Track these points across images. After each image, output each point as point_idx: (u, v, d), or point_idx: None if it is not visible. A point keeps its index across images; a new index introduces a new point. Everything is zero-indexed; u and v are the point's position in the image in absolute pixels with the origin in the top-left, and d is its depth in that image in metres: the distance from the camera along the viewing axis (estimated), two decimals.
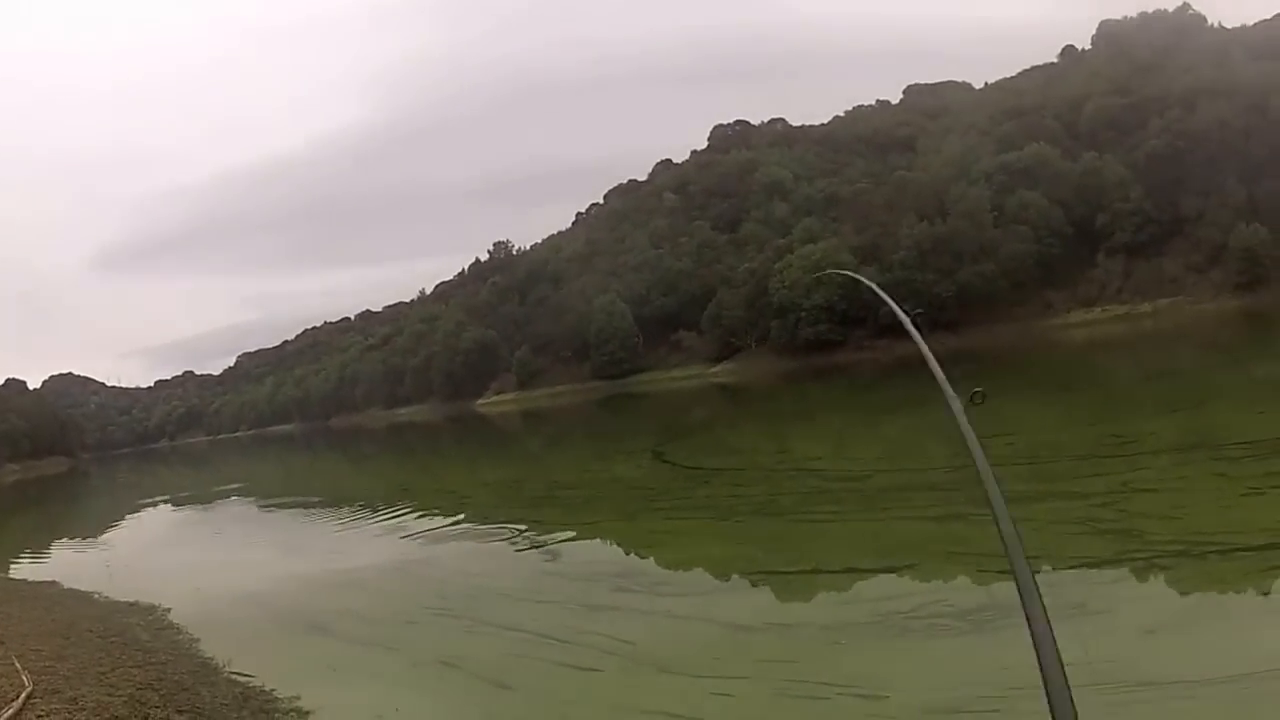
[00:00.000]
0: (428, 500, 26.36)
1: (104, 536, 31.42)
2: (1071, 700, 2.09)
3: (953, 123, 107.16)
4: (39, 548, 28.94)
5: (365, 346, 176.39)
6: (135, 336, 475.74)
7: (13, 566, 24.56)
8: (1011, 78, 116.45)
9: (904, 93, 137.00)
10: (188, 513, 39.48)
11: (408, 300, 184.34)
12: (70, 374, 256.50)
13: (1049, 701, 2.11)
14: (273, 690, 9.62)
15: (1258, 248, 68.99)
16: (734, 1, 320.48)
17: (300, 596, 15.22)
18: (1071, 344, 60.25)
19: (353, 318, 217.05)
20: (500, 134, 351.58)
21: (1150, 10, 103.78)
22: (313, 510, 28.91)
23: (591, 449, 40.25)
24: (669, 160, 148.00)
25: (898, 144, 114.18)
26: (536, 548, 16.70)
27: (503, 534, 18.32)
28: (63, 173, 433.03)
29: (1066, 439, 19.63)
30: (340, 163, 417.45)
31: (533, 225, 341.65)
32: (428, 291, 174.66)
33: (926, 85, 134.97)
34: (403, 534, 20.12)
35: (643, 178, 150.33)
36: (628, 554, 15.64)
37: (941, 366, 3.47)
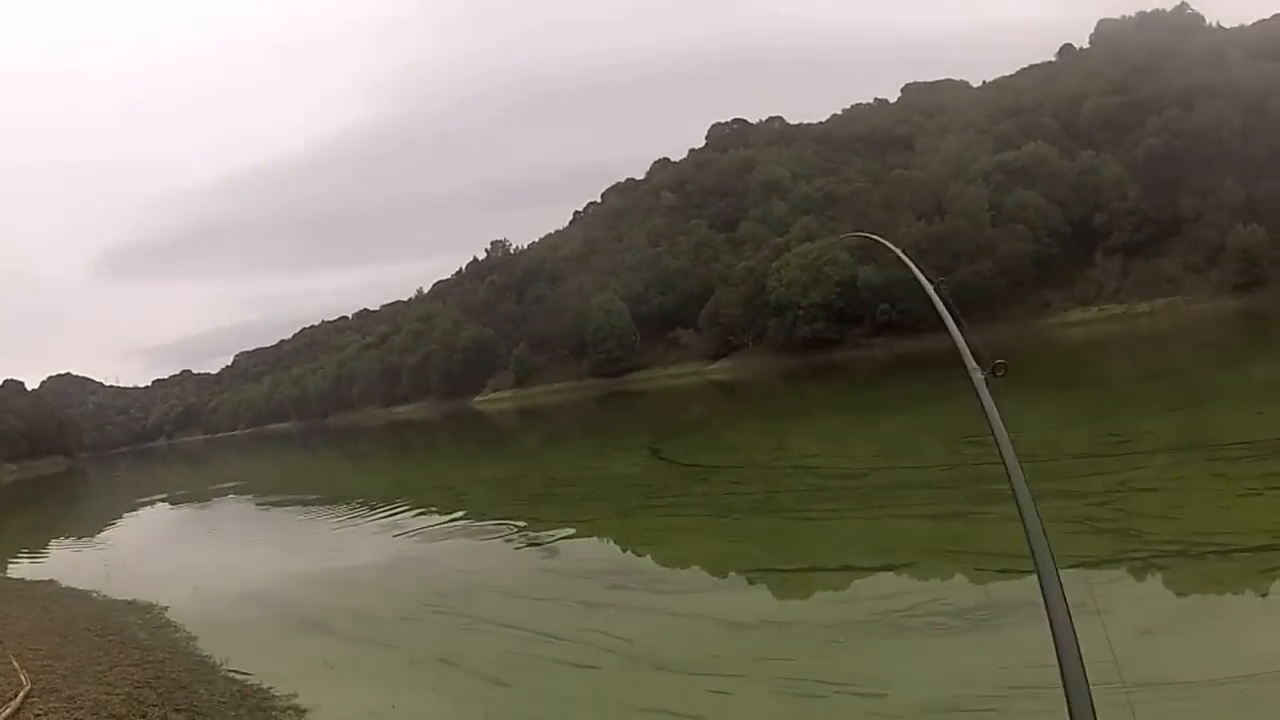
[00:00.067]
0: (425, 498, 26.35)
1: (101, 535, 31.39)
2: (1089, 693, 2.06)
3: (950, 121, 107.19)
4: (37, 547, 28.92)
5: (363, 345, 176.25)
6: (133, 337, 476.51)
7: (11, 566, 24.58)
8: (1009, 77, 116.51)
9: (902, 91, 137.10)
10: (185, 511, 39.48)
11: (405, 299, 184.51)
12: (69, 374, 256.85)
13: (1066, 692, 2.08)
14: (270, 688, 9.62)
15: (1255, 248, 69.00)
16: (732, 1, 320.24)
17: (298, 594, 15.22)
18: (1069, 343, 60.27)
19: (350, 317, 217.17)
20: (498, 134, 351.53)
21: (1148, 10, 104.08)
22: (310, 508, 28.88)
23: (589, 446, 40.21)
24: (667, 159, 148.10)
25: (895, 143, 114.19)
26: (534, 545, 16.70)
27: (500, 531, 18.33)
28: (64, 178, 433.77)
29: (1064, 438, 19.62)
30: (339, 166, 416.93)
31: (530, 224, 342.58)
32: (425, 290, 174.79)
33: (924, 84, 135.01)
34: (400, 532, 20.13)
35: (640, 176, 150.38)
36: (625, 551, 15.64)
37: (965, 341, 3.34)
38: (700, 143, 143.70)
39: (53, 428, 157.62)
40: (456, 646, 10.65)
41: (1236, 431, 16.60)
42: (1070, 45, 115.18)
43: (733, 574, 12.74)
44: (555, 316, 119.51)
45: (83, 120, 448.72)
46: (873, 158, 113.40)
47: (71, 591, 17.94)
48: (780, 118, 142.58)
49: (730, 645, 9.41)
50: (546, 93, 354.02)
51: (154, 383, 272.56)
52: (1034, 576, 2.41)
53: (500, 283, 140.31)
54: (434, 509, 22.85)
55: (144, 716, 8.58)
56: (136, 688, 9.51)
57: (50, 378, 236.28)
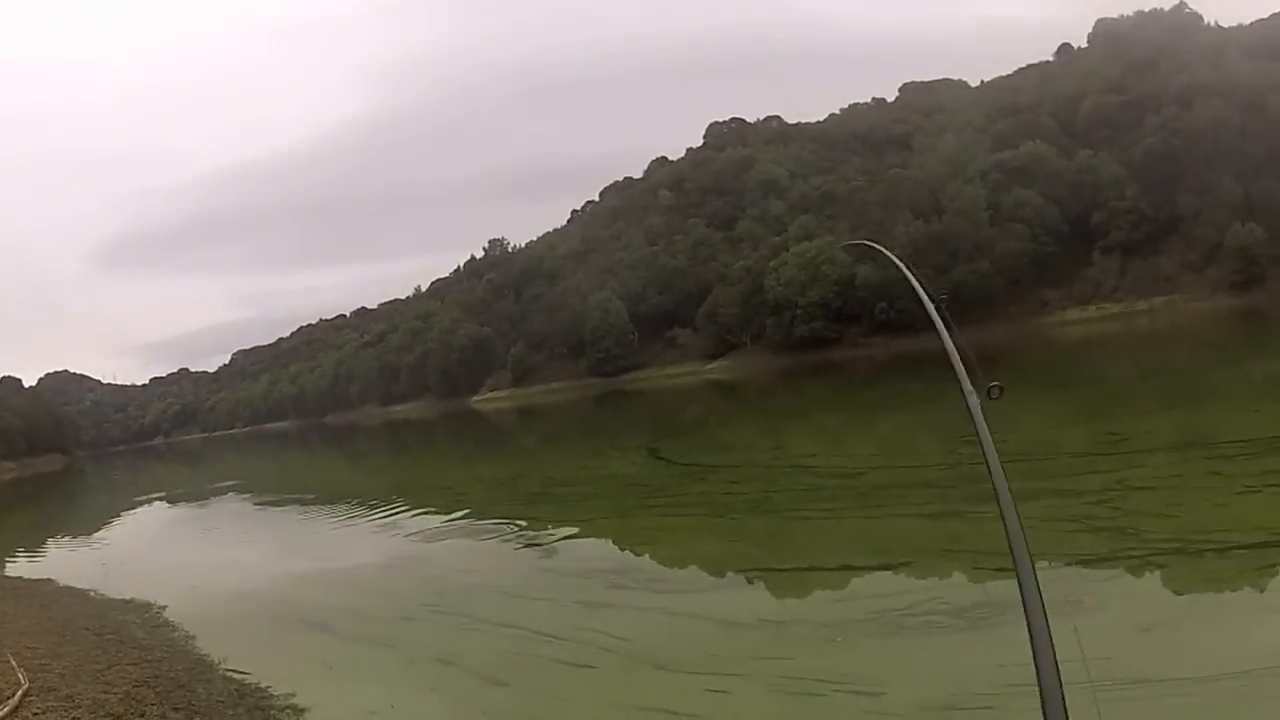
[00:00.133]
0: (423, 497, 26.35)
1: (99, 534, 31.36)
2: (1063, 699, 2.10)
3: (948, 121, 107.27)
4: (34, 545, 28.89)
5: (360, 343, 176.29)
6: (131, 334, 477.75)
7: (8, 564, 24.56)
8: (1007, 76, 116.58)
9: (900, 90, 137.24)
10: (183, 510, 39.48)
11: (403, 297, 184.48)
12: (66, 371, 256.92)
13: (1042, 698, 2.13)
14: (268, 687, 9.61)
15: (1253, 247, 69.13)
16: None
17: (296, 593, 15.20)
18: (1067, 342, 60.33)
19: (348, 315, 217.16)
20: (496, 133, 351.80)
21: (1147, 9, 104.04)
22: (308, 507, 28.86)
23: (587, 446, 40.22)
24: (664, 158, 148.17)
25: (893, 142, 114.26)
26: (532, 545, 16.70)
27: (498, 531, 18.33)
28: (61, 172, 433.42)
29: (1062, 436, 19.66)
30: (337, 162, 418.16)
31: (528, 223, 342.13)
32: (423, 289, 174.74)
33: (922, 83, 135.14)
34: (398, 531, 20.13)
35: (638, 175, 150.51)
36: (623, 551, 15.64)
37: (960, 358, 3.41)
38: (698, 142, 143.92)
39: (50, 425, 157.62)
40: (455, 646, 10.65)
41: (1234, 430, 16.64)
42: (1068, 44, 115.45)
43: (731, 573, 12.74)
44: (553, 315, 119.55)
45: (82, 110, 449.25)
46: (870, 157, 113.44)
47: (69, 590, 17.94)
48: (778, 117, 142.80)
49: (728, 644, 9.41)
50: (547, 83, 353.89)
51: (152, 381, 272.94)
52: (1036, 576, 2.43)
53: (498, 281, 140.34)
54: (432, 508, 22.85)
55: (142, 715, 8.57)
56: (134, 686, 9.51)
57: (48, 375, 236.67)
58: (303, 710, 8.91)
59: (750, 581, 12.25)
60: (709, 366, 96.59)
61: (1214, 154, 74.33)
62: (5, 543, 31.37)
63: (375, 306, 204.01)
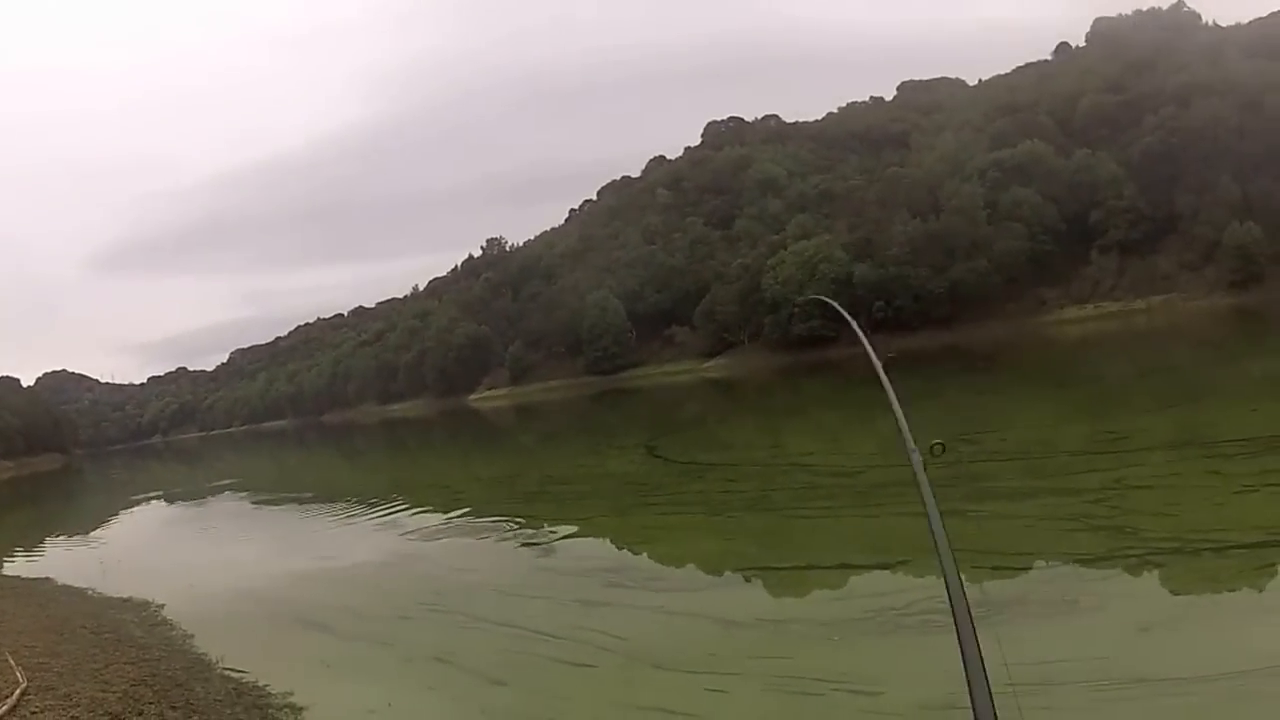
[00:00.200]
0: (421, 496, 26.32)
1: (97, 533, 31.33)
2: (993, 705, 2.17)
3: (946, 119, 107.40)
4: (32, 544, 28.84)
5: (358, 342, 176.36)
6: (129, 333, 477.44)
7: (6, 563, 24.54)
8: (1005, 74, 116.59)
9: (898, 89, 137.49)
10: (181, 509, 39.44)
11: (401, 296, 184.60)
12: (64, 371, 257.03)
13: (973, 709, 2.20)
14: (266, 686, 9.61)
15: (1251, 245, 69.21)
16: None
17: (294, 592, 15.19)
18: (1065, 341, 60.32)
19: (346, 314, 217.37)
20: (495, 133, 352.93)
21: (1145, 8, 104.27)
22: (306, 506, 28.85)
23: (585, 444, 40.19)
24: (662, 156, 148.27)
25: (891, 140, 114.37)
26: (530, 544, 16.67)
27: (496, 530, 18.30)
28: (63, 175, 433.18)
29: (1060, 435, 19.65)
30: (336, 163, 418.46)
31: (527, 222, 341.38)
32: (421, 288, 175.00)
33: (920, 82, 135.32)
34: (396, 530, 20.11)
35: (636, 174, 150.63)
36: (621, 549, 15.62)
37: (905, 409, 3.50)
38: (696, 140, 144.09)
39: (48, 424, 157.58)
40: (453, 645, 10.64)
41: (1232, 428, 16.66)
42: (1066, 43, 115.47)
43: (729, 572, 12.73)
44: (551, 314, 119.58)
45: (83, 117, 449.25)
46: (868, 155, 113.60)
47: (67, 589, 17.92)
48: (776, 116, 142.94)
49: (726, 643, 9.41)
50: (547, 89, 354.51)
51: (150, 380, 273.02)
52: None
53: (496, 280, 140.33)
54: (430, 507, 22.83)
55: (140, 714, 8.57)
56: (133, 685, 9.50)
57: (46, 374, 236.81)
58: (300, 709, 8.90)
59: (748, 580, 12.24)
60: (707, 364, 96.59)
61: (1212, 153, 74.41)
62: (3, 541, 31.33)
63: (373, 306, 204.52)
